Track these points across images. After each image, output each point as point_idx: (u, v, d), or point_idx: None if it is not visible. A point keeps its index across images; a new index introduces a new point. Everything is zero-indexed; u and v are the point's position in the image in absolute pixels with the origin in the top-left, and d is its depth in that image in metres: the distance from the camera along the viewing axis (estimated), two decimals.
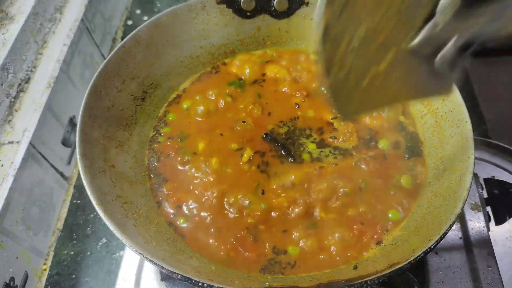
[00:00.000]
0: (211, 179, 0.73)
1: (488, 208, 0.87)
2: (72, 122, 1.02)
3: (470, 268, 0.78)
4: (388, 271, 0.54)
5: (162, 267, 0.55)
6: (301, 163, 0.75)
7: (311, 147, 0.78)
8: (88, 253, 0.88)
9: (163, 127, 0.83)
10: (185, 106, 0.85)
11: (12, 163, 0.82)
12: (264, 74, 0.90)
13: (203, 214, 0.71)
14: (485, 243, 0.80)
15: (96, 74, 0.74)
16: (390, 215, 0.70)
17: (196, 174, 0.75)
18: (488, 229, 0.83)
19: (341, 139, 0.78)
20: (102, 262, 0.86)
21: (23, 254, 0.82)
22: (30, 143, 0.85)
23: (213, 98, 0.85)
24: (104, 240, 0.89)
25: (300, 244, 0.67)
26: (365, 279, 0.53)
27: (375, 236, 0.68)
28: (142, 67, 0.83)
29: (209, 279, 0.55)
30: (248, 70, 0.90)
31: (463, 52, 0.52)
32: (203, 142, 0.79)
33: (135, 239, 0.59)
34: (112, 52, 0.78)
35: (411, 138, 0.79)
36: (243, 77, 0.89)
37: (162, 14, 0.84)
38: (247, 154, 0.76)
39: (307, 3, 0.90)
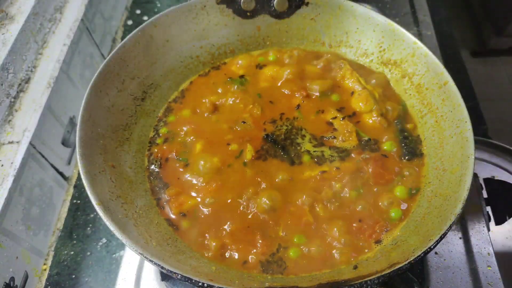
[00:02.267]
0: (211, 180, 0.73)
1: (488, 208, 0.87)
2: (72, 122, 1.02)
3: (470, 268, 0.78)
4: (388, 271, 0.54)
5: (162, 267, 0.55)
6: (301, 164, 0.75)
7: (311, 147, 0.78)
8: (88, 253, 0.88)
9: (162, 127, 0.83)
10: (184, 106, 0.85)
11: (12, 163, 0.82)
12: (264, 74, 0.90)
13: (203, 214, 0.71)
14: (485, 243, 0.81)
15: (96, 74, 0.74)
16: (390, 215, 0.70)
17: (195, 175, 0.75)
18: (488, 229, 0.83)
19: (340, 139, 0.78)
20: (102, 262, 0.86)
21: (23, 254, 0.82)
22: (30, 143, 0.85)
23: (212, 98, 0.85)
24: (104, 240, 0.89)
25: (300, 244, 0.67)
26: (365, 279, 0.53)
27: (375, 236, 0.68)
28: (142, 67, 0.83)
29: (209, 279, 0.55)
30: (248, 70, 0.90)
31: None
32: (203, 143, 0.79)
33: (135, 239, 0.59)
34: (112, 52, 0.78)
35: (411, 138, 0.79)
36: (243, 77, 0.89)
37: (162, 14, 0.84)
38: (249, 154, 0.76)
39: (307, 3, 0.90)
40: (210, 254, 0.67)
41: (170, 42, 0.87)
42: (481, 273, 0.77)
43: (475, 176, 0.90)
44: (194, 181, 0.74)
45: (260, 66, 0.91)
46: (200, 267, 0.62)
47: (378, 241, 0.67)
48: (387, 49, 0.86)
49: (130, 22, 1.37)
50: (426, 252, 0.56)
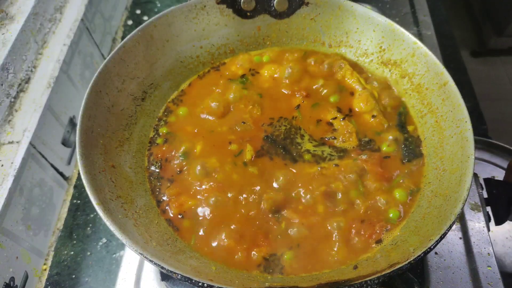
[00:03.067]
0: (211, 180, 0.73)
1: (488, 208, 0.87)
2: (72, 122, 1.02)
3: (470, 268, 0.78)
4: (388, 271, 0.54)
5: (162, 267, 0.55)
6: (301, 164, 0.75)
7: (311, 147, 0.78)
8: (88, 253, 0.88)
9: (162, 127, 0.83)
10: (183, 106, 0.85)
11: (12, 163, 0.82)
12: (264, 75, 0.90)
13: (203, 214, 0.71)
14: (485, 243, 0.81)
15: (96, 74, 0.74)
16: (390, 215, 0.70)
17: (195, 175, 0.75)
18: (488, 229, 0.83)
19: (340, 139, 0.78)
20: (102, 262, 0.86)
21: (23, 254, 0.82)
22: (30, 143, 0.85)
23: (212, 98, 0.85)
24: (104, 240, 0.89)
25: (300, 244, 0.67)
26: (365, 279, 0.53)
27: (375, 236, 0.68)
28: (142, 67, 0.83)
29: (209, 279, 0.55)
30: (248, 71, 0.90)
31: None
32: (203, 143, 0.79)
33: (135, 239, 0.59)
34: (112, 52, 0.78)
35: (411, 138, 0.79)
36: (242, 77, 0.89)
37: (162, 14, 0.84)
38: (249, 154, 0.76)
39: (307, 3, 0.90)
40: (210, 254, 0.67)
41: (170, 42, 0.87)
42: (481, 273, 0.77)
43: (475, 176, 0.90)
44: (194, 182, 0.74)
45: (258, 67, 0.91)
46: (200, 267, 0.62)
47: (378, 241, 0.67)
48: (387, 49, 0.86)
49: (130, 22, 1.37)
50: (426, 252, 0.56)
